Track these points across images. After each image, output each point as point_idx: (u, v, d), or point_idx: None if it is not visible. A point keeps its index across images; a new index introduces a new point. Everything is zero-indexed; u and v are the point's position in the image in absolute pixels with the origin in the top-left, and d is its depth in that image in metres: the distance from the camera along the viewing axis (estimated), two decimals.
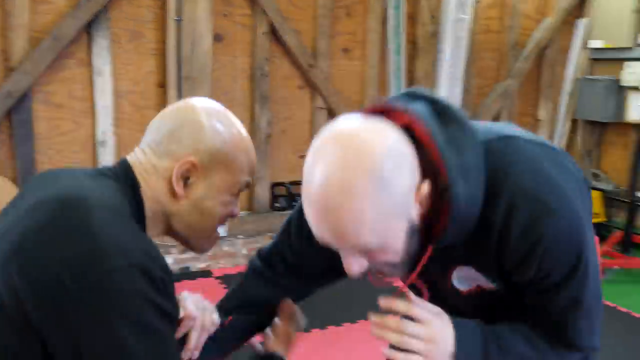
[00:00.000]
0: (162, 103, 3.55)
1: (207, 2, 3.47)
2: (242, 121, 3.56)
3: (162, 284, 0.80)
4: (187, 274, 3.66)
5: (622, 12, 4.58)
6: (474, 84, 4.62)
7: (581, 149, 5.16)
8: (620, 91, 4.69)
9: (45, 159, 3.32)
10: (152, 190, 0.93)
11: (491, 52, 4.72)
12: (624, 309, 3.29)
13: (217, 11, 3.58)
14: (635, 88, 4.55)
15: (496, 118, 4.74)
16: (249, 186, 1.01)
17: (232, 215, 1.00)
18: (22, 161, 3.22)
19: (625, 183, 4.95)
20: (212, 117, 0.96)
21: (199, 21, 3.46)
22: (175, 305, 0.88)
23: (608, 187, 4.96)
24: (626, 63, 4.58)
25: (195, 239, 1.00)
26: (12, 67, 3.11)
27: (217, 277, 3.63)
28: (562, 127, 5.08)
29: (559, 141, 5.08)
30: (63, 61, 3.27)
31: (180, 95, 3.46)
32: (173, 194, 0.93)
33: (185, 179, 0.93)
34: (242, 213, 3.94)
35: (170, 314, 0.83)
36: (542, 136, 1.16)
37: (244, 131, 1.01)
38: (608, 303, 3.37)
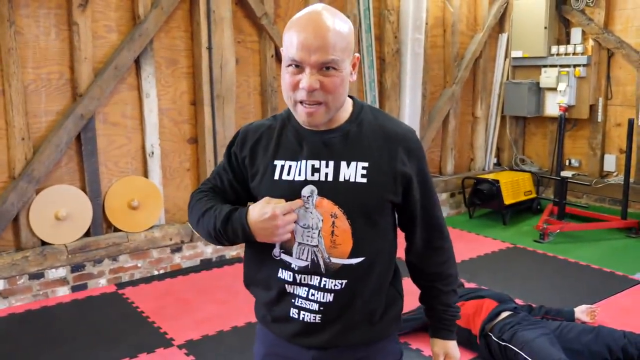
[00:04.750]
0: (195, 118, 4.21)
1: (230, 32, 4.16)
2: None
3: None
4: (225, 261, 4.33)
5: (535, 28, 5.74)
6: (428, 91, 5.59)
7: (509, 139, 6.31)
8: (539, 91, 5.87)
9: (105, 170, 3.88)
10: None
11: (438, 63, 5.72)
12: (570, 259, 4.40)
13: (233, 39, 4.27)
14: (551, 89, 5.74)
15: (446, 118, 5.75)
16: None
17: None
18: (89, 172, 3.77)
19: (546, 165, 6.16)
20: None
21: (225, 48, 4.14)
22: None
23: (533, 169, 6.14)
24: (543, 69, 5.77)
25: None
26: (80, 94, 3.65)
27: None
28: (494, 122, 6.20)
29: (492, 133, 6.19)
30: (117, 86, 3.84)
31: (213, 111, 4.13)
32: None
33: None
34: None
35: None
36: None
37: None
38: (556, 255, 4.47)
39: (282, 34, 1.27)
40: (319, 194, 1.30)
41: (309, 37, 1.18)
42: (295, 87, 1.23)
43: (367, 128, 1.34)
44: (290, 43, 1.21)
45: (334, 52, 1.19)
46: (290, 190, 1.31)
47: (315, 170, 1.30)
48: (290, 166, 1.32)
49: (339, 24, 1.22)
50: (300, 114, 1.26)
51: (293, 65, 1.22)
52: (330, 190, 1.29)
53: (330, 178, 1.30)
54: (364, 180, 1.30)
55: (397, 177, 1.33)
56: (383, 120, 1.38)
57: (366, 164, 1.30)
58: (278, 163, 1.33)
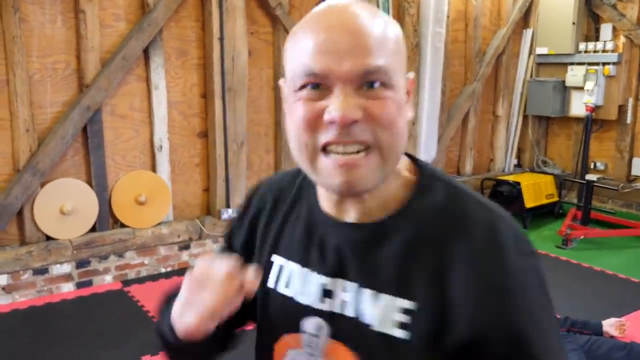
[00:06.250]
0: (205, 111, 4.08)
1: (242, 22, 4.01)
2: (268, 125, 4.34)
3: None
4: None
5: (562, 24, 5.51)
6: (448, 87, 5.40)
7: (531, 139, 6.09)
8: (564, 90, 5.64)
9: (112, 164, 3.76)
10: None
11: (459, 59, 5.52)
12: (595, 267, 4.19)
13: (246, 30, 4.12)
14: (577, 88, 5.51)
15: (466, 116, 5.55)
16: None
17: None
18: (96, 166, 3.65)
19: (569, 168, 5.93)
20: None
21: (237, 39, 3.99)
22: None
23: (555, 171, 5.92)
24: (569, 67, 5.53)
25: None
26: (86, 84, 3.53)
27: None
28: (516, 122, 5.98)
29: (514, 133, 5.97)
30: (125, 77, 3.71)
31: (224, 104, 3.98)
32: None
33: None
34: None
35: None
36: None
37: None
38: (580, 263, 4.27)
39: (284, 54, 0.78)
40: (332, 335, 0.79)
41: (335, 35, 0.69)
42: (315, 122, 0.71)
43: (431, 231, 0.76)
44: (303, 51, 0.71)
45: (381, 55, 0.70)
46: (285, 313, 0.83)
47: (327, 293, 0.80)
48: (291, 273, 0.83)
49: (382, 21, 0.74)
50: (330, 171, 0.72)
51: (309, 86, 0.71)
52: (352, 333, 0.77)
53: (349, 312, 0.78)
54: (403, 334, 0.74)
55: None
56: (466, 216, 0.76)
57: (411, 306, 0.74)
58: (277, 260, 0.86)
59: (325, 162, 0.72)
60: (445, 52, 5.23)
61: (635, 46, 5.25)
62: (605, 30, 5.43)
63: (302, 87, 0.71)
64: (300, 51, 0.71)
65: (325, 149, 0.72)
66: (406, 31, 5.00)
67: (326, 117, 0.69)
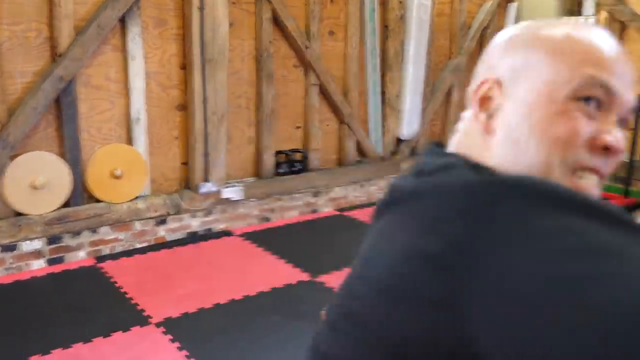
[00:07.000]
0: (184, 83, 3.95)
1: None
2: (249, 97, 4.30)
3: None
4: (211, 234, 4.13)
5: None
6: (432, 61, 5.32)
7: None
8: None
9: (87, 136, 3.63)
10: None
11: (444, 32, 5.43)
12: None
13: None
14: None
15: (449, 91, 5.49)
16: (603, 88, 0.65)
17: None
18: (69, 139, 3.52)
19: None
20: None
21: (218, 8, 3.84)
22: None
23: None
24: None
25: None
26: (59, 54, 3.37)
27: (239, 235, 4.14)
28: None
29: None
30: (100, 47, 3.56)
31: (204, 76, 3.86)
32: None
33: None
34: (251, 179, 4.42)
35: None
36: None
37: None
38: None
39: (552, 42, 0.68)
40: None
41: (622, 62, 0.68)
42: (580, 141, 0.65)
43: None
44: (597, 62, 0.66)
45: None
46: None
47: None
48: None
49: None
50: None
51: (593, 102, 0.66)
52: None
53: None
54: None
55: None
56: None
57: None
58: None
59: (582, 184, 0.67)
60: (431, 25, 5.13)
61: (616, 21, 5.22)
62: (588, 5, 5.39)
63: (587, 98, 0.66)
64: (594, 61, 0.66)
65: (582, 170, 0.67)
66: (391, 2, 4.89)
67: (610, 140, 0.65)
